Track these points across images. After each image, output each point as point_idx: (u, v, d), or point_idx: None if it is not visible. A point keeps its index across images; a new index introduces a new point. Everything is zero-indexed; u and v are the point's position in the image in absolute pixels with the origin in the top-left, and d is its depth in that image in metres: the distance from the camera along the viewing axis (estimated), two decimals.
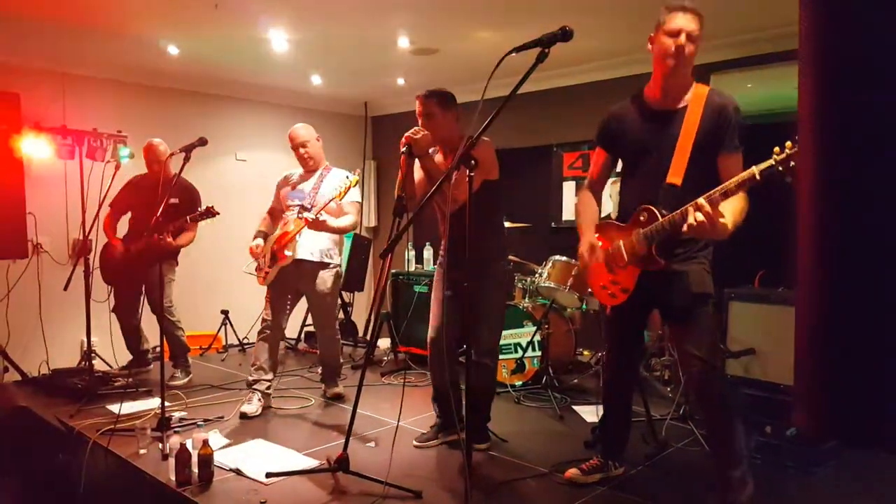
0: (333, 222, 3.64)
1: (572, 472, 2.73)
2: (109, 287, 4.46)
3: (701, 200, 2.12)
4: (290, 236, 3.63)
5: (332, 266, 3.85)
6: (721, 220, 2.11)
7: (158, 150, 4.31)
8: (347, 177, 3.65)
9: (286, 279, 3.74)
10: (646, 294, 2.45)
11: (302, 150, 3.82)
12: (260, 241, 3.79)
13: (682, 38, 2.25)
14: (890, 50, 0.74)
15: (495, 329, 3.11)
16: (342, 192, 3.51)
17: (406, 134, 2.86)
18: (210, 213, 3.92)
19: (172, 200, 3.93)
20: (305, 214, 3.53)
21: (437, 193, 2.50)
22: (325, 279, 3.81)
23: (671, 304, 2.43)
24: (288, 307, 3.88)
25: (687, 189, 2.25)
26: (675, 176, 2.30)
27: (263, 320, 3.81)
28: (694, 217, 2.11)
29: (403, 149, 2.86)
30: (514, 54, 2.02)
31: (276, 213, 3.95)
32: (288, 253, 3.63)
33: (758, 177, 2.02)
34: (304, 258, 3.72)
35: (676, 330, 2.51)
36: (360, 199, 3.84)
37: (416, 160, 2.93)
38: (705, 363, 2.32)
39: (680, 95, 2.37)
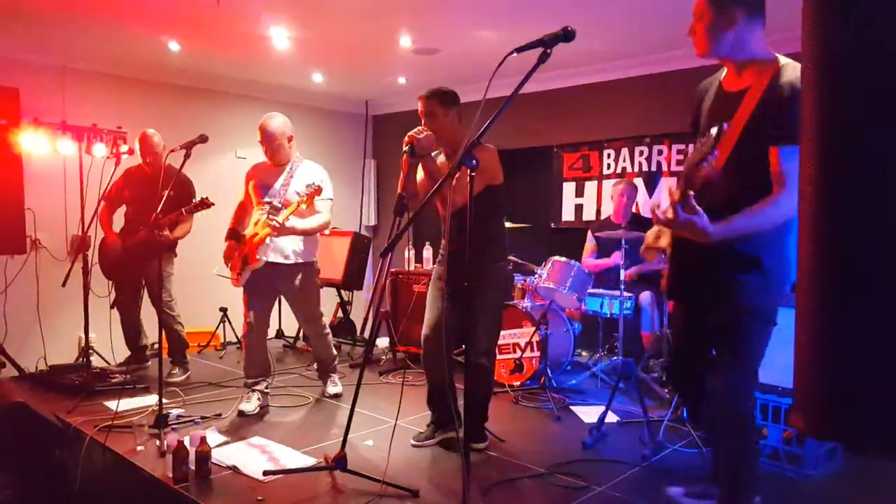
0: (303, 224, 3.56)
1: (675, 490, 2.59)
2: (110, 282, 4.45)
3: (672, 187, 1.92)
4: (260, 239, 3.57)
5: (305, 264, 3.77)
6: (701, 220, 1.85)
7: (153, 140, 4.28)
8: (312, 184, 3.51)
9: (262, 281, 3.66)
10: (698, 311, 2.20)
11: (265, 146, 3.68)
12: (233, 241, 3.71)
13: (693, 21, 2.06)
14: (892, 50, 0.74)
15: (492, 330, 3.10)
16: (304, 199, 3.45)
17: (409, 133, 2.85)
18: (205, 204, 3.88)
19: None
20: (273, 222, 3.41)
21: (438, 194, 2.50)
22: (300, 278, 3.75)
23: (713, 320, 2.13)
24: (269, 307, 3.84)
25: (730, 182, 1.95)
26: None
27: (246, 323, 3.73)
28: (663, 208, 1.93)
29: (406, 148, 2.85)
30: (515, 54, 2.01)
31: (246, 208, 3.84)
32: (258, 256, 3.58)
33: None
34: (276, 261, 3.65)
35: (718, 356, 2.19)
36: (332, 196, 3.74)
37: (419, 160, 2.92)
38: (733, 406, 2.06)
39: (739, 74, 2.06)
